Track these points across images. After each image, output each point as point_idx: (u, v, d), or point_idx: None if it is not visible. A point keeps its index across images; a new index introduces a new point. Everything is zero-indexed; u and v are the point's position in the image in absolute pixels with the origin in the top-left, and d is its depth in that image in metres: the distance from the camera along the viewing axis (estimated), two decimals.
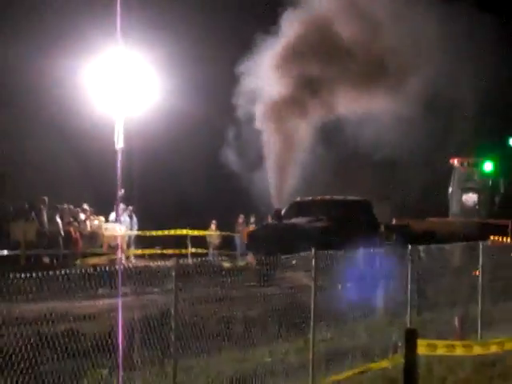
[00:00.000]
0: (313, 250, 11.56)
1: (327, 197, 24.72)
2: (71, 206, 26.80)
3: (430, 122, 29.36)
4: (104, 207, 28.20)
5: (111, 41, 24.22)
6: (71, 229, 25.75)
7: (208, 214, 31.08)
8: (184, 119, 31.05)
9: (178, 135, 32.32)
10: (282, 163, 27.80)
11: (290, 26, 28.12)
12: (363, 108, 28.44)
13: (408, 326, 12.71)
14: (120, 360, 9.66)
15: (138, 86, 27.63)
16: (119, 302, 10.00)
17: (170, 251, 26.43)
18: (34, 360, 9.18)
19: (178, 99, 29.36)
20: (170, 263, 10.09)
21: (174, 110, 29.76)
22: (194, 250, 28.66)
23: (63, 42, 28.97)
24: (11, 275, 8.65)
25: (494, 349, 10.35)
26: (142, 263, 22.07)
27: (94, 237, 26.99)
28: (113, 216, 28.18)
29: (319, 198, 24.77)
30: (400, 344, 11.47)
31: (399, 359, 10.48)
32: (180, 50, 29.02)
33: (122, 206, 27.80)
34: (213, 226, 30.96)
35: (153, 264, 14.42)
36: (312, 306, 11.39)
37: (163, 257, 24.68)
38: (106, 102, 27.39)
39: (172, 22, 30.35)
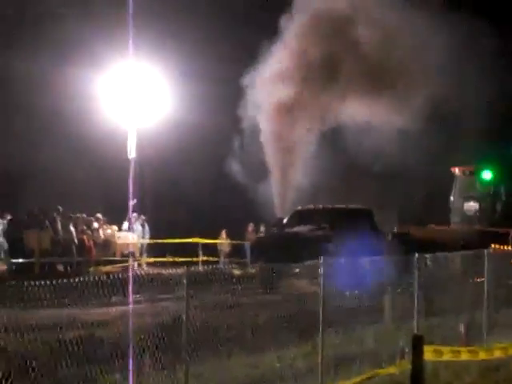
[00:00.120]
0: (321, 258, 11.77)
1: (329, 205, 24.80)
2: (84, 215, 27.10)
3: (434, 131, 29.54)
4: (117, 217, 28.49)
5: (124, 54, 24.62)
6: (85, 237, 26.01)
7: (219, 222, 31.31)
8: (194, 130, 31.32)
9: (188, 145, 32.57)
10: (284, 171, 27.99)
11: (293, 36, 28.35)
12: (367, 117, 28.62)
13: (415, 331, 12.87)
14: (132, 365, 9.87)
15: (150, 98, 28.01)
16: (131, 308, 10.21)
17: (181, 259, 26.65)
18: (48, 365, 9.37)
19: (188, 110, 29.70)
20: (181, 271, 10.23)
21: (185, 121, 30.08)
22: (205, 257, 28.89)
23: (79, 55, 29.37)
24: (26, 283, 8.88)
25: (497, 354, 10.57)
26: (154, 271, 22.30)
27: (107, 245, 27.26)
28: (126, 225, 28.48)
29: (321, 206, 24.84)
30: (407, 350, 11.63)
31: (406, 365, 10.66)
32: (189, 63, 29.36)
33: (134, 214, 28.10)
34: (223, 235, 31.17)
35: (165, 272, 14.64)
36: (320, 313, 11.58)
37: (175, 265, 24.89)
38: (118, 113, 27.80)
39: (181, 36, 30.70)
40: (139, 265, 27.64)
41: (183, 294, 9.99)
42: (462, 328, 14.14)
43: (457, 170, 29.46)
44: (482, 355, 11.12)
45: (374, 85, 28.49)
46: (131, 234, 28.05)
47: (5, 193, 29.44)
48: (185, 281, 10.00)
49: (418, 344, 9.30)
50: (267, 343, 11.81)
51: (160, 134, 29.62)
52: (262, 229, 30.78)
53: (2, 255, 25.23)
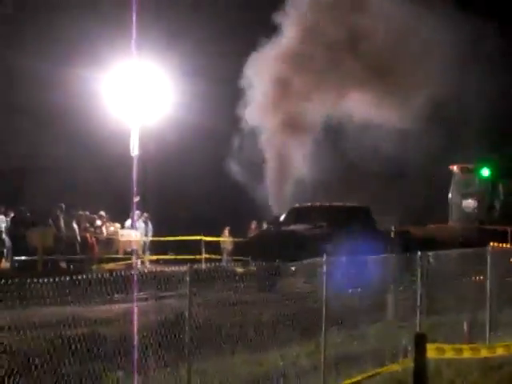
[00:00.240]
0: (324, 256, 11.78)
1: (326, 203, 24.54)
2: (87, 213, 27.15)
3: (434, 130, 29.55)
4: (119, 214, 28.54)
5: (128, 54, 24.71)
6: (87, 234, 26.08)
7: (221, 220, 31.34)
8: (197, 128, 31.37)
9: (191, 143, 32.65)
10: (282, 170, 27.98)
11: (291, 35, 28.39)
12: (368, 114, 28.62)
13: (418, 330, 12.88)
14: (135, 363, 9.89)
15: (153, 96, 28.07)
16: (134, 305, 10.23)
17: (184, 257, 26.68)
18: (51, 363, 9.40)
19: (191, 109, 29.73)
20: (184, 268, 10.26)
21: (188, 120, 30.13)
22: (207, 255, 28.91)
23: (83, 54, 29.47)
24: (28, 280, 8.91)
25: (500, 352, 10.57)
26: (157, 268, 22.31)
27: (109, 242, 27.32)
28: (128, 223, 28.51)
29: (318, 204, 24.60)
30: (410, 348, 11.65)
31: (409, 363, 10.65)
32: (192, 62, 29.41)
33: (137, 212, 28.14)
34: (226, 232, 31.20)
35: (168, 269, 14.65)
36: (324, 311, 11.60)
37: (178, 262, 24.92)
38: (122, 111, 27.86)
39: (185, 35, 30.76)
40: (142, 262, 27.68)
41: (186, 292, 10.01)
42: (464, 326, 14.15)
43: (455, 168, 29.49)
44: (485, 353, 11.13)
45: (375, 83, 28.49)
46: (134, 232, 28.09)
47: (8, 190, 29.50)
48: (188, 278, 10.03)
49: (420, 342, 9.31)
50: (270, 341, 11.82)
51: (163, 131, 29.69)
52: (265, 226, 30.79)
53: (5, 253, 25.29)
